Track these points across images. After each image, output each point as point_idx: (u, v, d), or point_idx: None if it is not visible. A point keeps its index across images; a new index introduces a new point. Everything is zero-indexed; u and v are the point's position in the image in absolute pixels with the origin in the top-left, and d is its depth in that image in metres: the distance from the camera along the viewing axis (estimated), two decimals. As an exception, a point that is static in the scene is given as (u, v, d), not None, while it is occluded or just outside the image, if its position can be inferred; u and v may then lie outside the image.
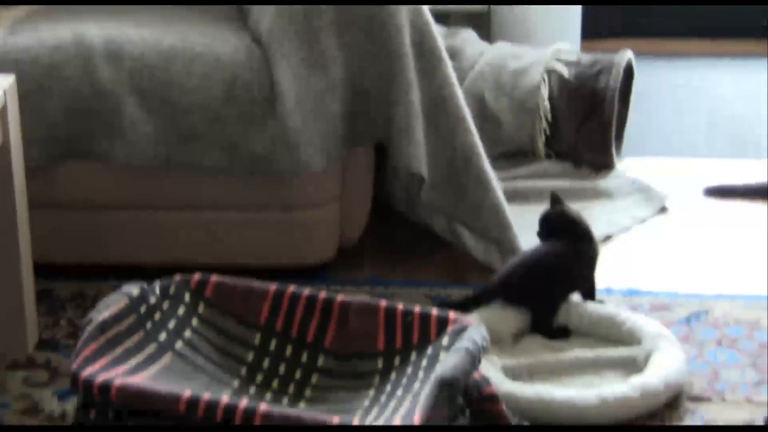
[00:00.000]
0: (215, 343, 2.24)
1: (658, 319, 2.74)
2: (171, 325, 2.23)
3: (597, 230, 3.15)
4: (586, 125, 3.53)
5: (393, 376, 2.18)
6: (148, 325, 2.19)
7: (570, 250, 2.72)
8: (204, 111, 2.76)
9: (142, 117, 2.77)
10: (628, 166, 3.60)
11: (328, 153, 2.81)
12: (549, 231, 2.74)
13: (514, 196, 3.33)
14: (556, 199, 2.77)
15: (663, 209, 3.37)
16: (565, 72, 3.54)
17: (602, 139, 3.53)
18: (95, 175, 2.83)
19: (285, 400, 2.18)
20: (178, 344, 2.20)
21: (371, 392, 2.16)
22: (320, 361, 2.26)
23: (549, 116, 3.53)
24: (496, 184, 2.96)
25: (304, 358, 2.26)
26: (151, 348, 2.16)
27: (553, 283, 2.72)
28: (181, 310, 2.26)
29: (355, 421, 1.92)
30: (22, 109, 2.57)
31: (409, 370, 2.16)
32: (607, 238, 3.20)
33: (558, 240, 2.73)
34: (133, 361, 2.11)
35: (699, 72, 4.31)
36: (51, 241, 2.81)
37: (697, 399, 2.48)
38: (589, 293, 2.76)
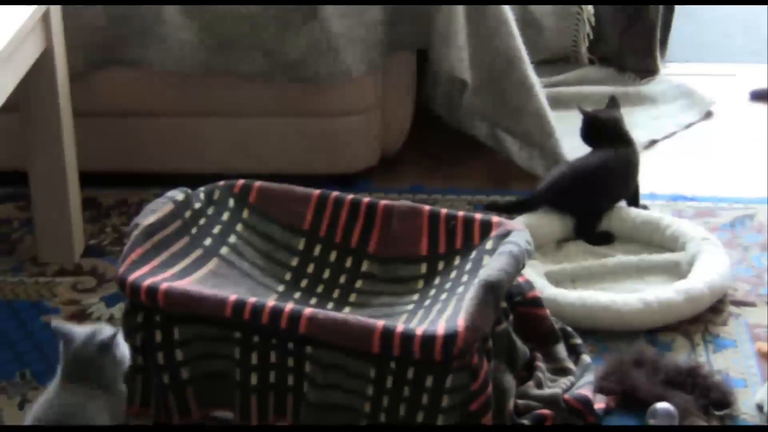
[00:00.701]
0: (260, 248, 2.26)
1: (703, 224, 2.73)
2: (216, 230, 2.24)
3: (641, 136, 3.13)
4: (630, 29, 3.49)
5: (437, 280, 2.19)
6: (194, 230, 2.21)
7: (616, 157, 2.71)
8: (243, 16, 2.74)
9: (182, 22, 2.76)
10: (672, 71, 3.55)
11: (369, 59, 2.79)
12: (590, 134, 2.74)
13: (557, 103, 3.29)
14: (614, 103, 2.77)
15: (708, 114, 3.33)
16: None
17: (647, 42, 3.49)
18: (136, 82, 2.83)
19: (330, 305, 2.19)
20: (223, 249, 2.21)
21: (415, 297, 2.17)
22: (364, 266, 2.26)
23: (593, 20, 3.48)
24: (540, 89, 2.94)
25: (348, 263, 2.27)
26: (197, 253, 2.17)
27: (599, 190, 2.71)
28: (225, 216, 2.27)
29: (400, 326, 1.93)
30: (64, 16, 2.56)
31: (453, 274, 2.17)
32: (652, 143, 3.18)
33: (603, 147, 2.72)
34: (180, 266, 2.13)
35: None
36: (94, 149, 2.82)
37: (741, 303, 2.48)
38: (634, 199, 2.75)
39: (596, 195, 2.71)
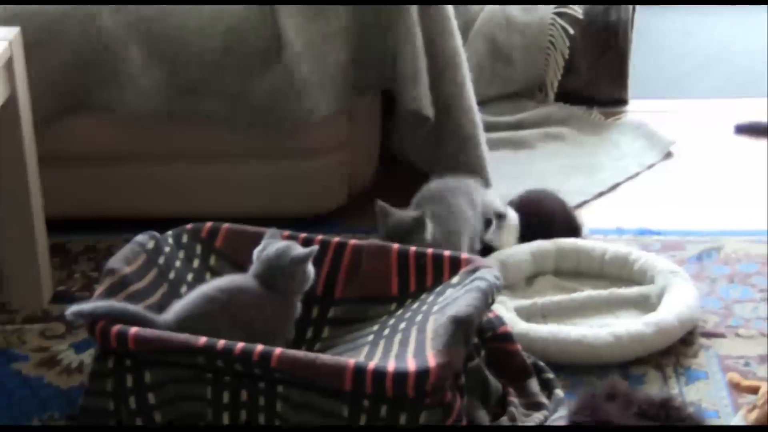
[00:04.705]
0: None
1: (670, 257, 2.74)
2: (189, 278, 2.23)
3: (606, 179, 3.14)
4: (601, 59, 3.52)
5: (399, 312, 2.19)
6: (171, 275, 2.20)
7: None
8: (205, 61, 2.75)
9: (144, 68, 2.76)
10: (635, 107, 3.58)
11: (334, 101, 2.80)
12: None
13: (520, 145, 3.32)
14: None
15: (669, 154, 3.34)
16: (578, 9, 3.51)
17: (619, 71, 3.52)
18: (102, 128, 2.83)
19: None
20: None
21: (375, 327, 2.17)
22: (330, 312, 2.26)
23: (566, 53, 3.50)
24: (478, 142, 2.91)
25: (315, 313, 2.26)
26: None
27: None
28: (195, 263, 2.26)
29: (371, 363, 1.92)
30: (28, 63, 2.56)
31: (415, 306, 2.17)
32: (615, 186, 3.18)
33: None
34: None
35: (695, 16, 4.29)
36: (62, 195, 2.81)
37: (711, 335, 2.48)
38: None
39: None
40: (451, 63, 2.85)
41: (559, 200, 2.84)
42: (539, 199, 2.83)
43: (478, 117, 2.91)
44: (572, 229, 2.81)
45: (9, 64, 2.45)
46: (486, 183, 2.88)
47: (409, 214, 2.52)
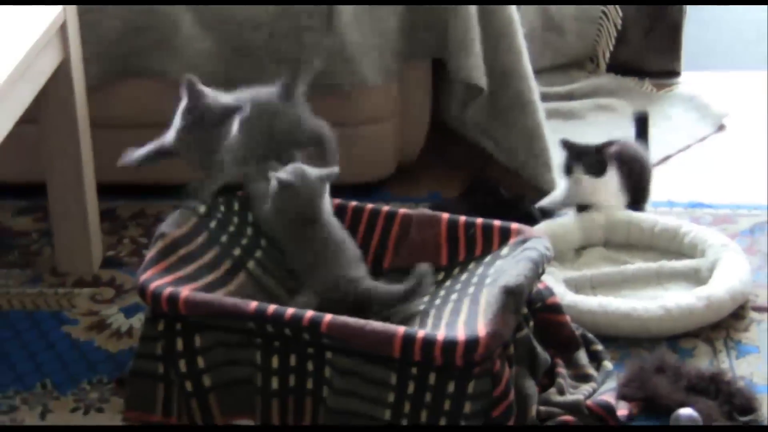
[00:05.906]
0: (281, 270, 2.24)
1: (721, 231, 2.72)
2: (244, 242, 2.23)
3: (654, 152, 3.11)
4: (654, 30, 3.49)
5: (448, 283, 2.18)
6: (224, 238, 2.20)
7: None
8: (259, 26, 2.74)
9: (198, 33, 2.76)
10: (687, 79, 3.55)
11: (385, 68, 2.79)
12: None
13: (570, 115, 3.30)
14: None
15: (721, 127, 3.31)
16: None
17: (671, 43, 3.49)
18: (154, 93, 2.83)
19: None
20: (251, 263, 2.20)
21: (426, 298, 2.17)
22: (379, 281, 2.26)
23: (619, 24, 3.47)
24: (537, 108, 2.88)
25: None
26: (225, 264, 2.16)
27: None
28: (249, 230, 2.26)
29: (421, 331, 1.92)
30: (81, 27, 2.56)
31: (464, 276, 2.16)
32: (666, 158, 3.15)
33: None
34: (207, 279, 2.11)
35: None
36: (112, 160, 2.80)
37: (763, 309, 2.46)
38: None
39: None
40: (507, 32, 2.83)
41: (645, 163, 2.80)
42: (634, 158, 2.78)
43: (535, 84, 2.89)
44: (641, 197, 2.78)
45: (63, 28, 2.45)
46: (544, 150, 2.86)
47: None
